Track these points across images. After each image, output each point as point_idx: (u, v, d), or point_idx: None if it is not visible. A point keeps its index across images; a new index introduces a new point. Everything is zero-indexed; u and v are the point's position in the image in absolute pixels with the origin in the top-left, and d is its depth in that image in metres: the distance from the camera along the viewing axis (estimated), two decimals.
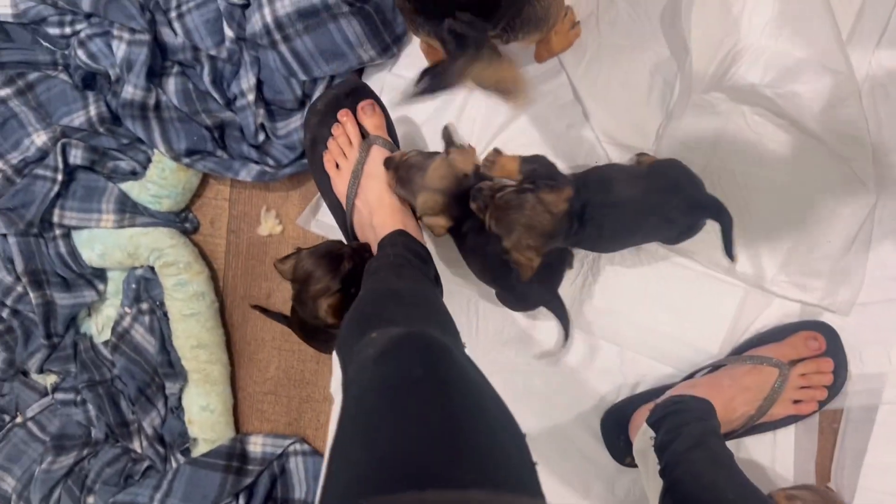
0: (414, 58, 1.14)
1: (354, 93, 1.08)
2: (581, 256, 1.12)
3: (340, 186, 1.07)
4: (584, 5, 1.09)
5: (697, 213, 0.99)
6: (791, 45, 1.00)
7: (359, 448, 0.54)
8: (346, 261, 1.00)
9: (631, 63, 1.08)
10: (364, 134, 1.07)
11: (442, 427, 0.54)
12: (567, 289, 1.11)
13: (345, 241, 1.09)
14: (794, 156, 1.06)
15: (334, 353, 1.20)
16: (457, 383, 0.60)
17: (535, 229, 0.90)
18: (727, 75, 1.02)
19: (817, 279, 1.06)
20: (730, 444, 0.96)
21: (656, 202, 0.96)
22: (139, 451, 1.27)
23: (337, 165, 1.07)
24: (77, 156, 1.18)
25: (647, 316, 1.11)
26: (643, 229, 0.99)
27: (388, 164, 1.01)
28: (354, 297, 0.92)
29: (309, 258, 1.01)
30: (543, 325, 1.14)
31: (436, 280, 1.06)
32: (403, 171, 0.99)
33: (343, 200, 1.07)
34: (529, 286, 1.00)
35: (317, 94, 1.14)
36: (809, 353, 1.02)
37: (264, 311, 1.21)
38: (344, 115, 1.06)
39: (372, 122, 1.07)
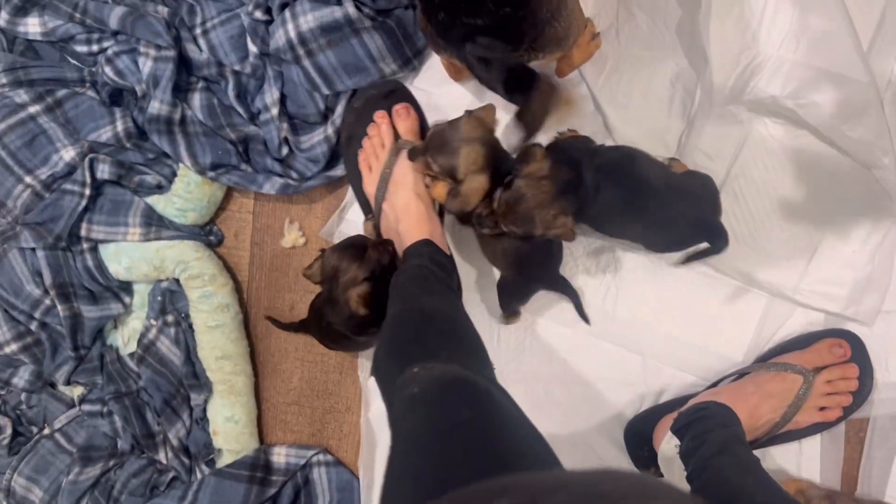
0: (435, 71, 1.15)
1: (392, 94, 1.10)
2: (603, 266, 1.12)
3: (370, 188, 1.09)
4: (604, 17, 1.10)
5: (698, 232, 1.00)
6: (810, 55, 1.01)
7: (410, 488, 0.57)
8: (371, 250, 1.02)
9: (651, 74, 1.09)
10: (398, 137, 1.09)
11: (490, 469, 0.56)
12: (591, 300, 1.12)
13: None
14: (816, 165, 1.06)
15: (360, 362, 1.22)
16: (502, 426, 0.63)
17: (546, 200, 0.91)
18: (747, 88, 1.02)
19: (841, 288, 1.06)
20: (755, 452, 0.96)
21: (671, 199, 0.97)
22: (164, 462, 1.28)
23: (370, 167, 1.09)
24: (104, 170, 1.20)
25: (671, 325, 1.11)
26: (646, 220, 0.99)
27: (413, 154, 1.02)
28: (382, 286, 0.96)
29: (333, 253, 1.03)
30: (564, 333, 1.14)
31: (458, 289, 1.07)
32: (435, 139, 1.00)
33: (372, 202, 1.09)
34: (538, 268, 1.03)
35: (339, 108, 1.15)
36: (834, 360, 1.02)
37: (276, 322, 1.23)
38: (380, 117, 1.08)
39: (405, 126, 1.09)
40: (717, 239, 0.98)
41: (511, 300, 1.10)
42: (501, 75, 0.80)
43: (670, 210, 0.97)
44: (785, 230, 1.07)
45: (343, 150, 1.15)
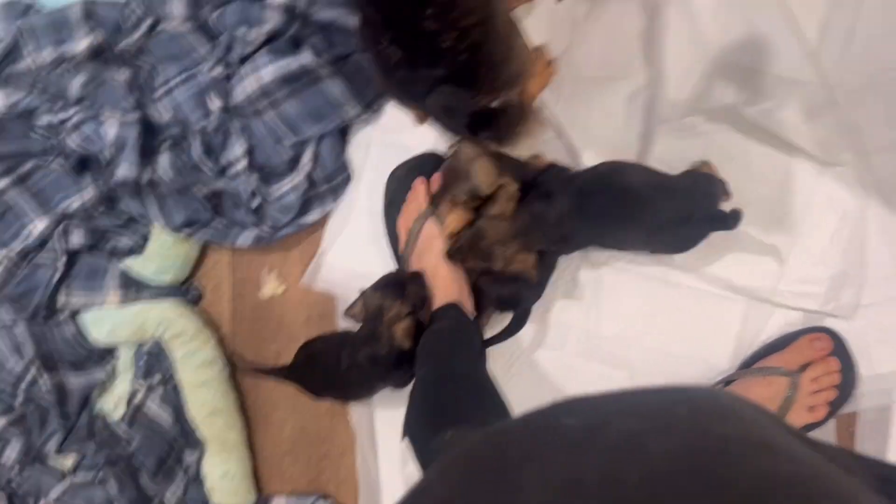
0: (399, 111, 1.16)
1: (433, 163, 1.12)
2: (583, 285, 1.13)
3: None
4: (558, 42, 1.12)
5: (701, 225, 1.00)
6: (762, 62, 1.03)
7: None
8: (410, 285, 1.04)
9: (609, 93, 1.11)
10: None
11: None
12: (574, 321, 1.13)
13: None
14: (780, 167, 1.08)
15: (350, 406, 1.21)
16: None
17: (506, 237, 0.92)
18: (703, 98, 1.04)
19: (817, 286, 1.08)
20: None
21: (661, 200, 0.98)
22: None
23: (406, 230, 1.12)
24: (77, 238, 1.19)
25: (655, 338, 1.12)
26: (643, 226, 1.00)
27: (434, 200, 1.05)
28: (423, 321, 1.01)
29: (374, 293, 1.05)
30: (551, 356, 1.14)
31: (483, 351, 1.08)
32: (445, 178, 1.02)
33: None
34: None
35: (307, 155, 1.16)
36: (816, 355, 1.03)
37: (257, 369, 1.22)
38: (419, 183, 1.11)
39: None
40: (722, 225, 0.99)
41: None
42: (465, 119, 0.82)
43: (664, 211, 0.98)
44: (757, 234, 1.09)
45: (384, 215, 1.16)
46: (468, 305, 1.06)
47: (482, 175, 0.98)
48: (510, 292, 1.06)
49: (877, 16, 1.03)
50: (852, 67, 1.04)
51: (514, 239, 0.92)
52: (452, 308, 1.03)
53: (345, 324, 1.19)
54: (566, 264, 1.13)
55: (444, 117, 0.83)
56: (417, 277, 1.06)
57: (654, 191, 0.98)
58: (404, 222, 1.13)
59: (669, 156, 1.08)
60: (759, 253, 1.08)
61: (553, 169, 1.05)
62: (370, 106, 1.14)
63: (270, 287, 1.24)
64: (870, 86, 1.03)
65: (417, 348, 0.99)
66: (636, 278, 1.12)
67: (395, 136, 1.16)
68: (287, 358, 1.23)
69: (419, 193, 1.10)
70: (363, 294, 1.06)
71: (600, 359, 1.13)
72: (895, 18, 1.03)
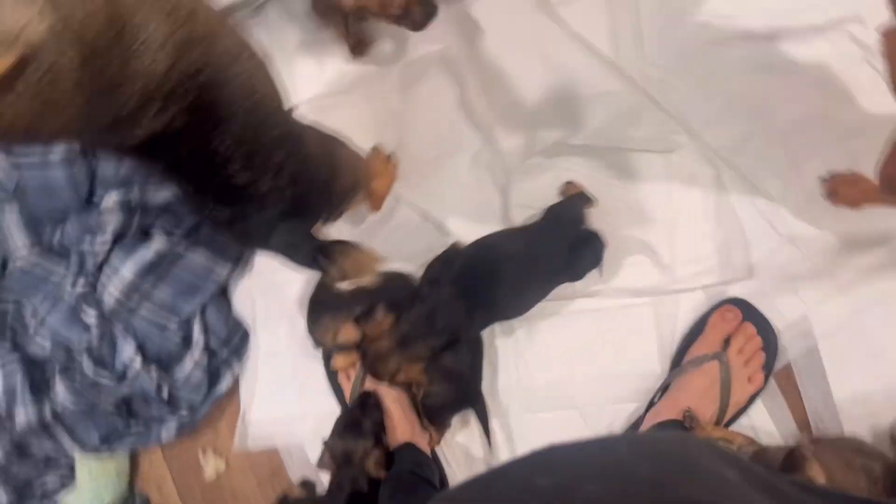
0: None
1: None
2: (498, 346, 1.14)
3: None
4: (390, 136, 1.15)
5: (577, 253, 1.03)
6: (571, 88, 1.08)
7: None
8: (364, 420, 1.06)
9: (453, 166, 1.14)
10: None
11: None
12: (505, 382, 1.14)
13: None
14: (631, 171, 1.12)
15: None
16: None
17: (385, 354, 0.94)
18: (534, 140, 1.09)
19: (708, 259, 1.11)
20: None
21: (537, 253, 1.00)
22: None
23: (348, 376, 1.14)
24: (1, 497, 1.15)
25: (586, 370, 1.13)
26: (534, 280, 1.02)
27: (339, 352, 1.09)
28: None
29: (337, 441, 1.05)
30: (497, 423, 1.15)
31: (443, 482, 1.10)
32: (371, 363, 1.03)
33: None
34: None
35: (196, 329, 1.15)
36: (731, 326, 1.06)
37: None
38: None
39: None
40: (591, 245, 1.02)
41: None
42: (311, 252, 0.82)
43: (542, 258, 1.00)
44: (637, 236, 1.12)
45: (326, 371, 1.17)
46: (422, 440, 1.08)
47: (345, 336, 1.01)
48: (451, 397, 1.09)
49: (655, 10, 1.11)
50: (651, 62, 1.11)
51: (394, 353, 0.93)
52: (408, 448, 1.05)
53: (299, 473, 1.17)
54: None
55: (291, 253, 0.84)
56: (367, 402, 1.08)
57: (530, 244, 1.01)
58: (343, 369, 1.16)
59: (529, 198, 1.12)
60: (646, 252, 1.12)
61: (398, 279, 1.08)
62: (239, 261, 1.15)
63: (212, 466, 1.21)
64: (673, 71, 1.10)
65: (379, 494, 1.01)
66: (548, 322, 1.14)
67: (268, 278, 1.16)
68: None
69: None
70: (326, 445, 1.06)
71: (546, 408, 1.14)
72: (671, 8, 1.10)
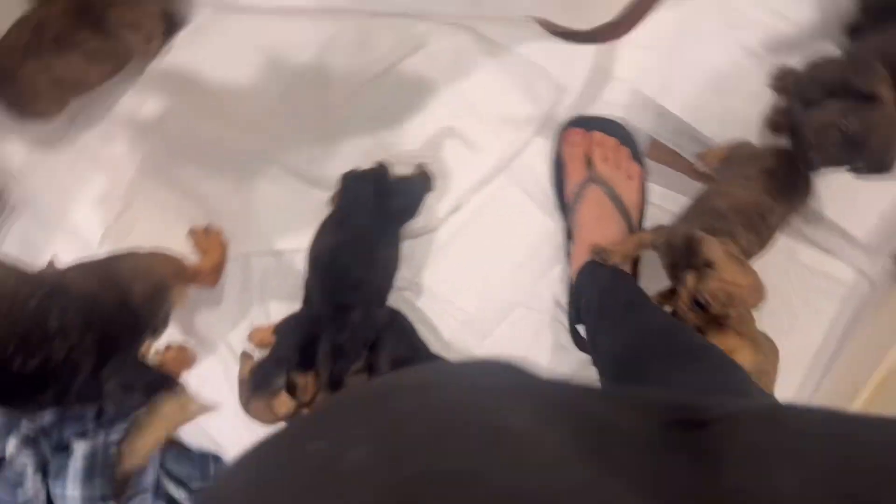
0: None
1: None
2: (425, 304, 1.13)
3: None
4: (196, 212, 1.12)
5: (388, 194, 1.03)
6: (299, 60, 1.05)
7: None
8: None
9: (262, 194, 1.12)
10: None
11: None
12: (449, 329, 1.13)
13: None
14: (406, 85, 1.10)
15: None
16: None
17: None
18: (308, 127, 1.06)
19: (520, 106, 1.09)
20: None
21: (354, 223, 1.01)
22: None
23: None
24: None
25: (499, 269, 1.12)
26: (377, 242, 1.02)
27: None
28: None
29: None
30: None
31: None
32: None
33: None
34: None
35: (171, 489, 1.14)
36: (583, 145, 1.05)
37: None
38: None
39: None
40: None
41: None
42: (146, 389, 0.81)
43: (359, 226, 1.01)
44: (450, 138, 1.11)
45: None
46: None
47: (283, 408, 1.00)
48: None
49: None
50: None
51: None
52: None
53: None
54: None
55: (128, 397, 0.82)
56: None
57: (344, 229, 1.01)
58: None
59: None
60: (468, 144, 1.10)
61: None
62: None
63: None
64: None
65: None
66: (438, 258, 1.12)
67: None
68: None
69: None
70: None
71: (495, 323, 1.13)
72: None
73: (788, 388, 1.05)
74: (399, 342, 1.08)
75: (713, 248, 0.79)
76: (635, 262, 1.03)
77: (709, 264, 0.79)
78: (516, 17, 1.04)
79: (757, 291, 0.80)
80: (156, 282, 0.91)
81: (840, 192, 1.05)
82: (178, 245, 1.08)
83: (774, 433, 0.38)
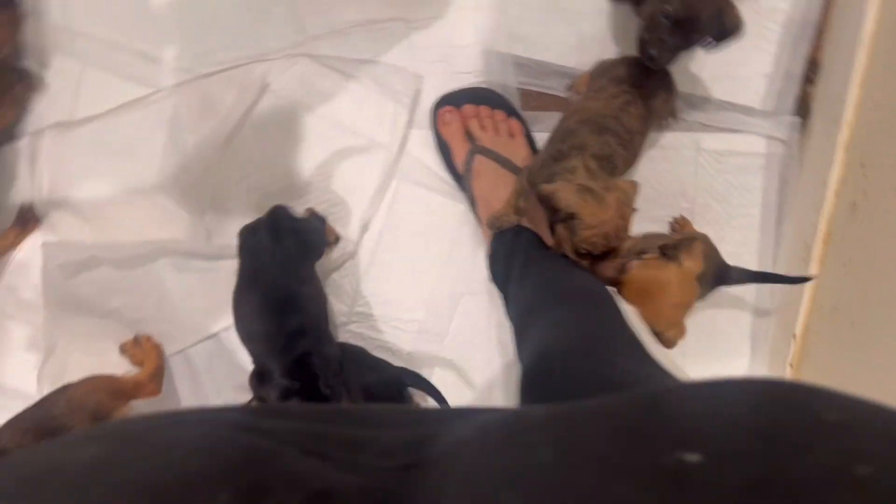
0: None
1: None
2: (368, 330, 1.12)
3: None
4: (117, 327, 1.11)
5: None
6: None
7: None
8: None
9: (165, 289, 1.11)
10: None
11: None
12: (408, 342, 1.11)
13: None
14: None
15: None
16: None
17: None
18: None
19: (385, 106, 1.07)
20: None
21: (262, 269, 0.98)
22: None
23: None
24: None
25: (427, 269, 1.11)
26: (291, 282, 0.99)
27: None
28: None
29: None
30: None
31: None
32: None
33: None
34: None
35: None
36: (457, 121, 1.04)
37: None
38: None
39: None
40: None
41: None
42: None
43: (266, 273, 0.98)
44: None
45: None
46: None
47: None
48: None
49: None
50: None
51: None
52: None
53: None
54: None
55: None
56: None
57: (256, 280, 0.98)
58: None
59: None
60: (346, 153, 1.09)
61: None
62: None
63: None
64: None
65: None
66: (374, 281, 1.11)
67: None
68: None
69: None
70: None
71: (453, 318, 1.12)
72: None
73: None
74: (360, 371, 1.06)
75: (564, 198, 0.78)
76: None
77: (570, 216, 0.78)
78: (344, 28, 1.03)
79: (622, 211, 0.79)
80: (93, 409, 0.90)
81: (718, 71, 1.04)
82: (117, 366, 1.07)
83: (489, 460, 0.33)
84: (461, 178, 1.06)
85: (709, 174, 1.09)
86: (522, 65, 1.06)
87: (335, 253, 1.08)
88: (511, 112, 1.05)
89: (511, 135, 1.03)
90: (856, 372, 0.92)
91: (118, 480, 0.30)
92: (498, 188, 1.00)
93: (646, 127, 0.91)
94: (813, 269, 1.00)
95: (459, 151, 1.04)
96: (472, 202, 1.05)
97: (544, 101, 1.06)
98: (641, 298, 0.82)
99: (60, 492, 0.29)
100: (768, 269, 1.08)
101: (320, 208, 1.07)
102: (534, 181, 0.86)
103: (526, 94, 1.07)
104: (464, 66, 1.06)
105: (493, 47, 1.05)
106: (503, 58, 1.05)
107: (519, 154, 1.03)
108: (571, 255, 0.83)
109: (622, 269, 0.83)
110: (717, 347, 1.12)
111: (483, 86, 1.05)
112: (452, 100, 1.05)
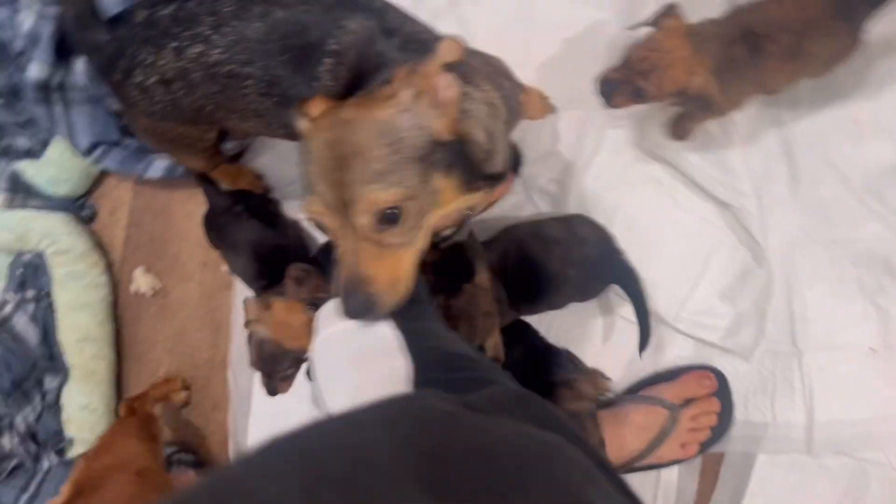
0: None
1: None
2: None
3: None
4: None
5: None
6: None
7: None
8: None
9: None
10: None
11: None
12: None
13: None
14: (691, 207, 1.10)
15: (230, 360, 1.16)
16: None
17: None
18: None
19: (720, 319, 1.08)
20: None
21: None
22: (8, 448, 1.18)
23: None
24: None
25: None
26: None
27: None
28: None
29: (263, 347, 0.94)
30: None
31: None
32: None
33: None
34: None
35: None
36: (701, 392, 1.04)
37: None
38: None
39: None
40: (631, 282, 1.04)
41: None
42: None
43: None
44: (668, 260, 1.09)
45: None
46: None
47: None
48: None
49: None
50: None
51: None
52: None
53: None
54: None
55: None
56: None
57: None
58: None
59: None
60: (670, 279, 1.09)
61: None
62: None
63: (144, 283, 1.18)
64: None
65: None
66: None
67: None
68: (176, 295, 1.17)
69: None
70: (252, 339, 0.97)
71: None
72: None
73: None
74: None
75: None
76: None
77: None
78: None
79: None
80: None
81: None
82: None
83: None
84: (637, 388, 1.06)
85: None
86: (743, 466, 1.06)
87: None
88: (704, 448, 1.04)
89: (683, 446, 1.04)
90: None
91: None
92: (636, 431, 1.02)
93: None
94: None
95: (670, 392, 1.04)
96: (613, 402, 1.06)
97: (707, 482, 1.07)
98: None
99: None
100: None
101: None
102: None
103: (714, 458, 1.07)
104: (753, 410, 1.06)
105: (755, 454, 1.05)
106: (751, 459, 1.05)
107: (662, 455, 1.04)
108: None
109: None
110: None
111: (734, 420, 1.05)
112: (722, 390, 1.04)
